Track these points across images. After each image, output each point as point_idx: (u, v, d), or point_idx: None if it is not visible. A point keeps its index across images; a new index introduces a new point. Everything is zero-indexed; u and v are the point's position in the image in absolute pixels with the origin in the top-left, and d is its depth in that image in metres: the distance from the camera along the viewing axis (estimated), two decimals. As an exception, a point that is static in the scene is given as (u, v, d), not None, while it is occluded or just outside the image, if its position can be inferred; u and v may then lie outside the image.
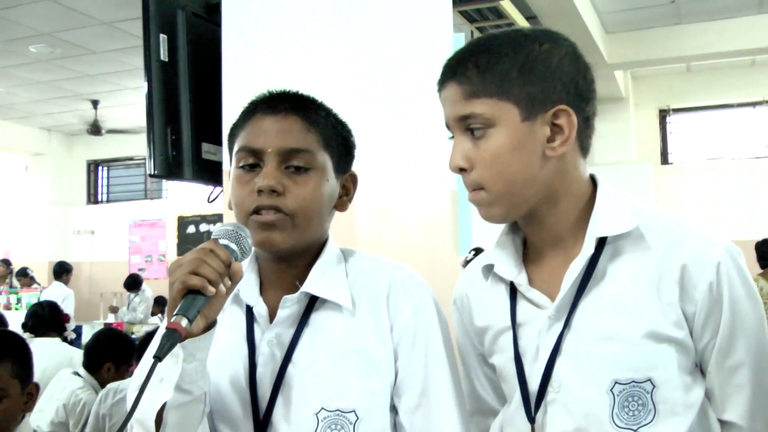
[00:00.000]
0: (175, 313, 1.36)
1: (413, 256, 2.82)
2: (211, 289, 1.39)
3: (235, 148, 1.66)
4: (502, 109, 1.48)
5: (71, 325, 5.75)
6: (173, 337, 1.33)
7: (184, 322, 1.35)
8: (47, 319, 5.68)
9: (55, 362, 5.15)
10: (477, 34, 7.71)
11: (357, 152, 1.78)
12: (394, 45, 2.92)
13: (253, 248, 1.53)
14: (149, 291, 12.12)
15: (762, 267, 7.87)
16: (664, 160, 12.73)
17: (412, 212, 2.92)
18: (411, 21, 3.08)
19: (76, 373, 4.55)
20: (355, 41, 2.64)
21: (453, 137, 1.55)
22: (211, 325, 1.46)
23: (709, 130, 12.61)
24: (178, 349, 1.39)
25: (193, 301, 1.38)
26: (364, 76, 2.67)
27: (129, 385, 1.70)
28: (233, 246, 1.46)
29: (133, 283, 11.97)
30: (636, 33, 10.04)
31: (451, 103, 1.52)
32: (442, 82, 1.55)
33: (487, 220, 1.56)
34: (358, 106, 2.59)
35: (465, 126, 1.50)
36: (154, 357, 1.30)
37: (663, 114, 12.81)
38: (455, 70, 1.51)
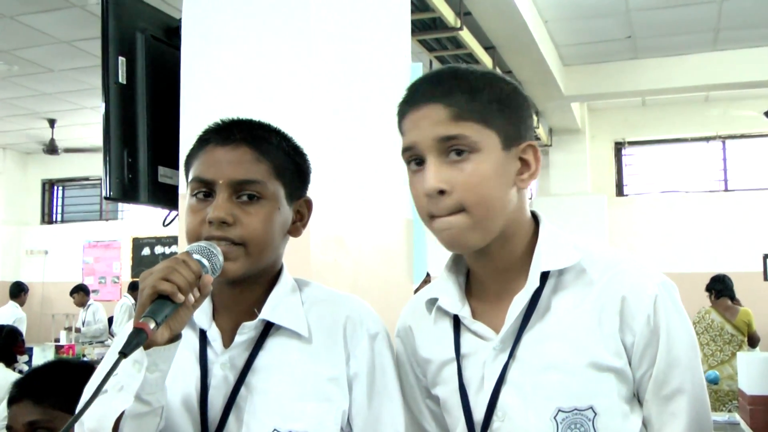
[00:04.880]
0: (143, 315, 1.38)
1: (367, 284, 2.83)
2: (180, 296, 1.41)
3: (189, 177, 1.69)
4: (486, 136, 1.50)
5: (24, 358, 5.57)
6: (140, 336, 1.35)
7: (151, 324, 1.37)
8: None
9: None
10: (436, 63, 7.77)
11: (312, 179, 1.80)
12: (353, 73, 2.93)
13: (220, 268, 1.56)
14: (99, 310, 11.98)
15: (715, 299, 7.99)
16: (619, 192, 12.90)
17: (366, 239, 2.93)
18: (369, 49, 3.10)
19: None
20: (314, 68, 2.65)
21: (415, 160, 1.55)
22: (175, 338, 1.48)
23: (664, 163, 12.81)
24: (142, 357, 1.42)
25: (162, 306, 1.40)
26: (322, 103, 2.68)
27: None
28: (204, 261, 1.49)
29: (76, 289, 11.97)
30: (593, 66, 10.18)
31: (432, 124, 1.51)
32: (418, 102, 1.54)
33: (455, 247, 1.56)
34: (315, 133, 2.60)
35: (445, 148, 1.50)
36: (120, 353, 1.32)
37: (618, 146, 12.98)
38: (437, 91, 1.52)
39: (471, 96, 1.51)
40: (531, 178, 1.57)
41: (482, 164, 1.50)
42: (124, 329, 1.68)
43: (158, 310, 1.39)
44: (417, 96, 1.55)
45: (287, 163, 1.71)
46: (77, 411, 1.29)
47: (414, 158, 1.55)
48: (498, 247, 1.57)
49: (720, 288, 8.01)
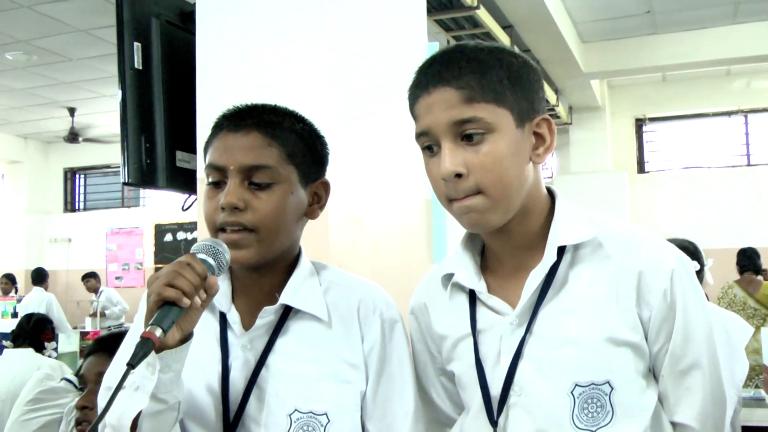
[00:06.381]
0: (150, 323, 1.39)
1: (387, 265, 2.83)
2: (186, 301, 1.42)
3: (205, 163, 1.69)
4: (500, 115, 1.49)
5: (52, 345, 5.65)
6: (146, 346, 1.35)
7: (158, 332, 1.37)
8: (27, 333, 5.62)
9: (23, 371, 5.04)
10: (453, 43, 7.72)
11: (331, 160, 1.80)
12: (369, 53, 2.93)
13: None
14: (113, 294, 12.07)
15: (740, 273, 7.94)
16: (640, 168, 12.82)
17: (385, 220, 2.92)
18: (386, 29, 3.09)
19: (66, 380, 4.47)
20: (329, 49, 2.64)
21: (430, 146, 1.54)
22: (187, 338, 1.49)
23: (685, 139, 12.71)
24: (154, 360, 1.43)
25: (168, 312, 1.41)
26: (338, 85, 2.67)
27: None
28: (210, 260, 1.50)
29: (88, 276, 12.17)
30: (612, 42, 10.10)
31: (445, 108, 1.49)
32: (429, 86, 1.52)
33: (477, 227, 1.56)
34: (332, 114, 2.60)
35: (459, 131, 1.49)
36: (128, 365, 1.33)
37: (639, 123, 12.90)
38: (447, 74, 1.50)
39: (482, 75, 1.49)
40: (546, 153, 1.56)
41: (497, 144, 1.49)
42: (140, 312, 1.69)
43: (164, 316, 1.40)
44: (427, 79, 1.53)
45: (301, 145, 1.70)
46: (98, 414, 1.31)
47: (429, 143, 1.54)
48: (516, 223, 1.57)
49: (744, 263, 7.96)
